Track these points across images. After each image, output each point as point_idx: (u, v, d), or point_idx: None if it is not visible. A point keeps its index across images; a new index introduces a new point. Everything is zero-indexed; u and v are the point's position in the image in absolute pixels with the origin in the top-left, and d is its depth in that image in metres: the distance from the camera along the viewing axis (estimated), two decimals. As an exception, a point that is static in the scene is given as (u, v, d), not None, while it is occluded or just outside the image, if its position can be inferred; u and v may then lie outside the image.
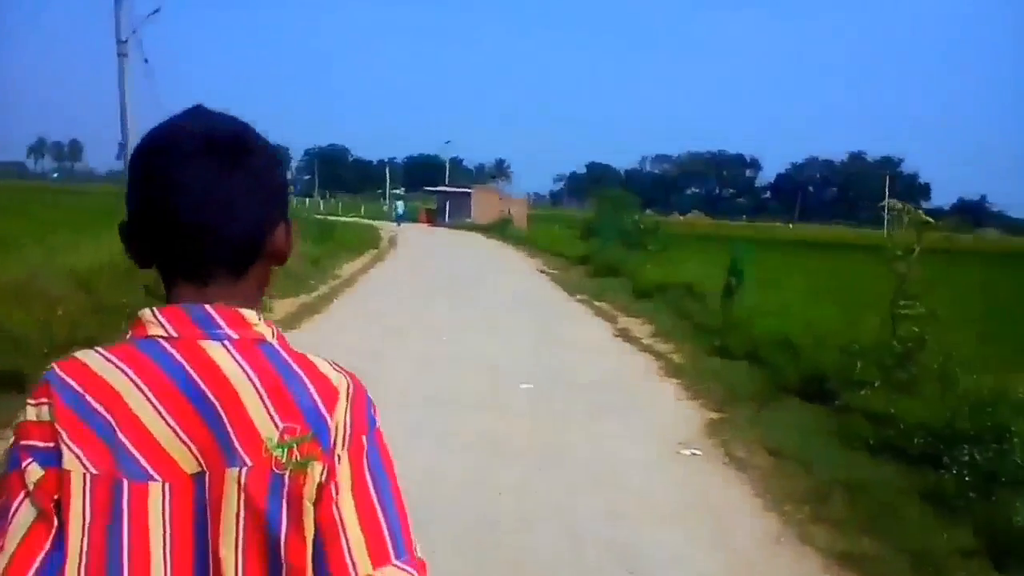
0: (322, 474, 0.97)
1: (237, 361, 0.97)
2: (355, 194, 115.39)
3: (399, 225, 47.38)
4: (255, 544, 0.95)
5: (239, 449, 0.95)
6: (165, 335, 0.98)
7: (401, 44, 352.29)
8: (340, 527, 0.97)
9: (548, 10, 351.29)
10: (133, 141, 16.65)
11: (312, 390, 0.99)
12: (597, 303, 15.94)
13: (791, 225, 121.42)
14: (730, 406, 7.87)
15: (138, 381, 0.95)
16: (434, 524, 4.62)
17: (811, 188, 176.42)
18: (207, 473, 0.95)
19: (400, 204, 58.35)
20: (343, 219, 45.55)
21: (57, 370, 0.98)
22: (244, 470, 0.94)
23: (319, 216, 39.86)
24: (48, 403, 0.95)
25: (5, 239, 12.39)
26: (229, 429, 0.95)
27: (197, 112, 1.05)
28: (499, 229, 43.39)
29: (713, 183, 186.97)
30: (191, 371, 0.96)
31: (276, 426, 0.96)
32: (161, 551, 0.94)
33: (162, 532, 0.94)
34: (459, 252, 30.93)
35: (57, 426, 0.94)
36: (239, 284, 1.03)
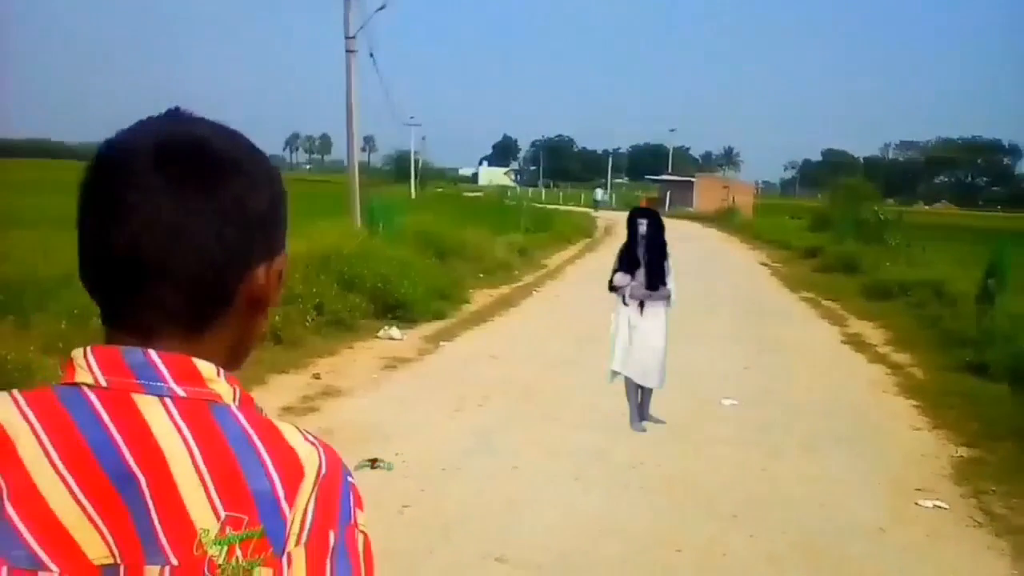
0: None
1: (178, 425, 0.76)
2: (579, 183, 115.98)
3: (595, 212, 48.75)
4: None
5: (164, 542, 0.73)
6: (92, 383, 0.77)
7: (629, 33, 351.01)
8: None
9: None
10: (358, 134, 17.10)
11: (271, 469, 0.77)
12: (825, 302, 14.34)
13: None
14: (985, 441, 6.37)
15: (46, 440, 0.74)
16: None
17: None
18: (121, 567, 0.73)
19: (599, 192, 62.31)
20: (562, 208, 45.70)
21: None
22: (167, 570, 0.73)
23: (538, 205, 40.29)
24: None
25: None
26: (154, 515, 0.74)
27: (166, 116, 0.82)
28: (722, 219, 41.63)
29: (965, 172, 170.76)
30: (116, 434, 0.75)
31: (217, 515, 0.74)
32: None
33: None
34: (674, 242, 29.50)
35: None
36: (199, 342, 0.80)
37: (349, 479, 0.82)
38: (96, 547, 0.74)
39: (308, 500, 0.78)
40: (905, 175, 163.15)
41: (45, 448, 0.75)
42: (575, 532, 4.51)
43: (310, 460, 0.79)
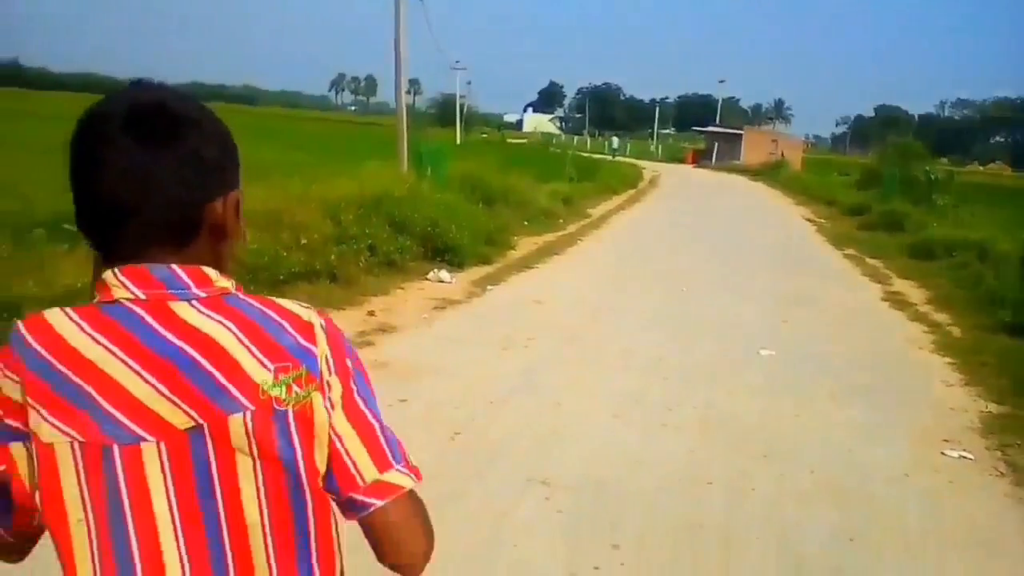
0: (327, 402, 1.03)
1: (211, 317, 1.00)
2: (626, 133, 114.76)
3: (613, 158, 47.35)
4: (275, 482, 1.01)
5: (238, 396, 0.98)
6: (131, 297, 0.99)
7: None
8: (340, 443, 1.05)
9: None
10: (405, 78, 17.26)
11: (289, 328, 1.03)
12: (868, 260, 14.34)
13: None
14: (1015, 399, 6.52)
15: (113, 348, 0.96)
16: (628, 523, 4.09)
17: None
18: (205, 426, 0.98)
19: (615, 139, 65.44)
20: (608, 157, 45.44)
21: (23, 333, 0.98)
22: (248, 414, 0.99)
23: (583, 154, 40.13)
24: (19, 381, 0.96)
25: (293, 168, 13.12)
26: (223, 380, 0.98)
27: (132, 87, 1.04)
28: (769, 173, 41.15)
29: (1022, 132, 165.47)
30: (164, 332, 0.98)
31: (268, 368, 1.00)
32: (166, 509, 0.98)
33: (164, 490, 0.98)
34: (720, 195, 29.51)
35: (31, 401, 0.95)
36: (180, 259, 1.02)
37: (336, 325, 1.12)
38: (177, 416, 0.97)
39: (325, 343, 1.05)
40: (960, 134, 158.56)
41: (109, 349, 0.96)
42: (612, 463, 4.82)
43: (310, 317, 1.05)
